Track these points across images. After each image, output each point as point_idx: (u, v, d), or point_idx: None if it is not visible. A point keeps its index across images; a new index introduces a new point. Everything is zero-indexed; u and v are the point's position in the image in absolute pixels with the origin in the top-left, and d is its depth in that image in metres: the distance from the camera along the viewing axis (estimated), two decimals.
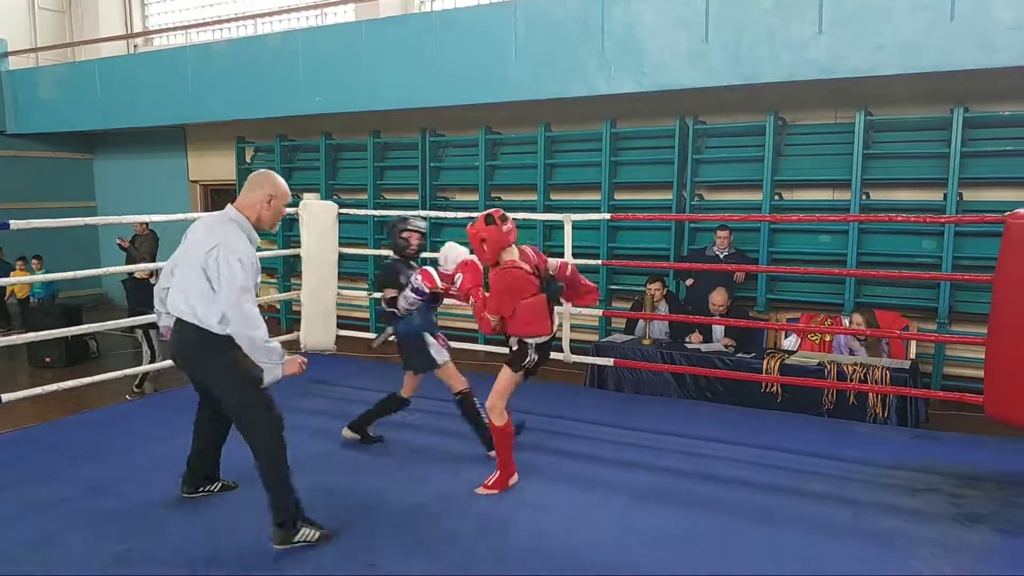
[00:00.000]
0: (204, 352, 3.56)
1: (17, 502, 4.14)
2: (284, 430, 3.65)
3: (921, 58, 5.73)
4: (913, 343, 6.50)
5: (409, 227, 4.89)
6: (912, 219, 5.98)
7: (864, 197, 6.92)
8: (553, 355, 6.24)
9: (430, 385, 4.99)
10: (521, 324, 4.05)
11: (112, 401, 6.41)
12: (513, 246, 4.08)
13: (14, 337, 5.63)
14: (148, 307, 7.63)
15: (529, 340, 4.10)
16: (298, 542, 3.55)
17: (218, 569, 3.42)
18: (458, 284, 4.30)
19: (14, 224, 5.19)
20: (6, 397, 5.19)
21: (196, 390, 4.01)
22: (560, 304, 4.22)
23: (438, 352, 4.75)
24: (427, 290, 4.49)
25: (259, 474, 3.58)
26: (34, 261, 9.70)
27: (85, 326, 6.62)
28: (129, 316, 6.59)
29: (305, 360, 3.62)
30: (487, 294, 4.16)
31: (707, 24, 6.39)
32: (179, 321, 3.59)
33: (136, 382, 6.95)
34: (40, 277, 6.39)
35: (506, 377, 4.18)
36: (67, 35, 12.15)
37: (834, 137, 7.21)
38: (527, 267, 4.05)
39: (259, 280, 3.71)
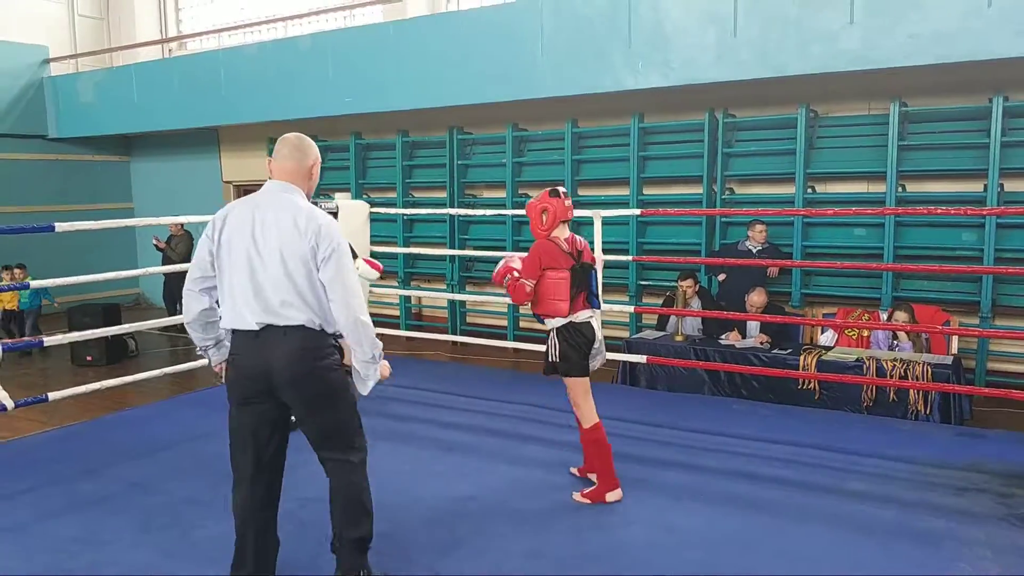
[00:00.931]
0: (317, 365, 2.97)
1: (63, 497, 4.23)
2: None
3: (957, 47, 5.60)
4: (955, 338, 6.37)
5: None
6: (952, 211, 5.88)
7: (900, 189, 6.80)
8: None
9: (470, 383, 5.01)
10: (542, 299, 4.10)
11: (152, 399, 6.52)
12: (566, 225, 4.17)
13: (59, 337, 5.74)
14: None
15: (552, 325, 4.12)
16: None
17: None
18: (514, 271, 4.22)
19: (59, 227, 5.30)
20: (52, 396, 5.30)
21: (254, 431, 3.09)
22: (592, 293, 4.18)
23: None
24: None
25: (339, 514, 3.14)
26: (17, 271, 9.07)
27: (126, 325, 6.73)
28: (169, 315, 6.70)
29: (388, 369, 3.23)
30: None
31: (735, 17, 6.31)
32: (272, 332, 2.93)
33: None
34: (73, 280, 6.45)
35: (571, 384, 4.16)
36: (105, 41, 12.36)
37: (868, 129, 7.08)
38: (566, 246, 4.10)
39: None
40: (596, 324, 4.25)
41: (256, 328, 2.93)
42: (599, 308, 4.28)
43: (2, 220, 9.75)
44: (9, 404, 5.01)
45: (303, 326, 2.93)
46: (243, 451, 3.10)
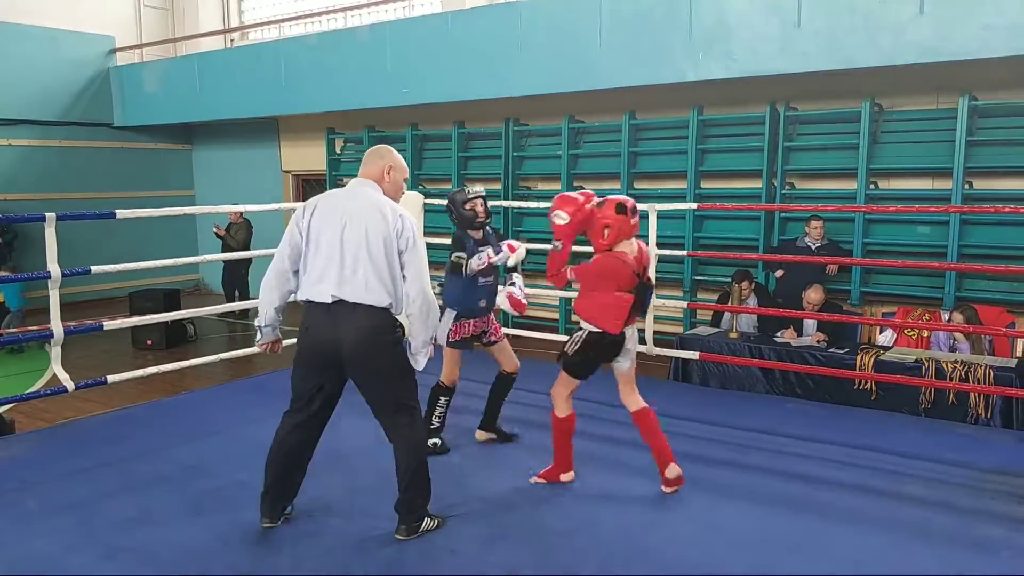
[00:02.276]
0: (383, 341, 3.38)
1: (120, 478, 4.36)
2: None
3: None
4: (1020, 341, 6.15)
5: (471, 196, 4.64)
6: (1020, 210, 5.68)
7: (967, 186, 6.58)
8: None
9: (528, 376, 5.05)
10: (593, 308, 3.96)
11: (209, 384, 6.68)
12: (632, 240, 4.03)
13: (119, 321, 5.93)
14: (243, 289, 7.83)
15: (587, 327, 3.99)
16: (423, 532, 3.60)
17: (307, 549, 3.52)
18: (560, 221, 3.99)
19: (120, 214, 5.46)
20: (112, 378, 5.48)
21: (315, 395, 3.55)
22: (644, 313, 4.14)
23: (440, 334, 4.59)
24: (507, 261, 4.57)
25: (404, 472, 3.52)
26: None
27: (185, 311, 6.90)
28: (227, 301, 6.86)
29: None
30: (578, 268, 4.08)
31: (799, 7, 6.17)
32: (343, 307, 3.31)
33: None
34: (133, 266, 6.62)
35: (563, 379, 4.14)
36: (169, 31, 12.66)
37: (935, 123, 6.86)
38: (632, 264, 3.95)
39: None
40: (633, 334, 4.11)
41: (329, 301, 3.31)
42: (643, 317, 4.27)
43: (68, 206, 10.07)
44: (70, 386, 5.19)
45: (372, 305, 3.30)
46: (303, 379, 3.53)
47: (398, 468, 3.53)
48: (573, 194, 4.04)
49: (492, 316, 4.80)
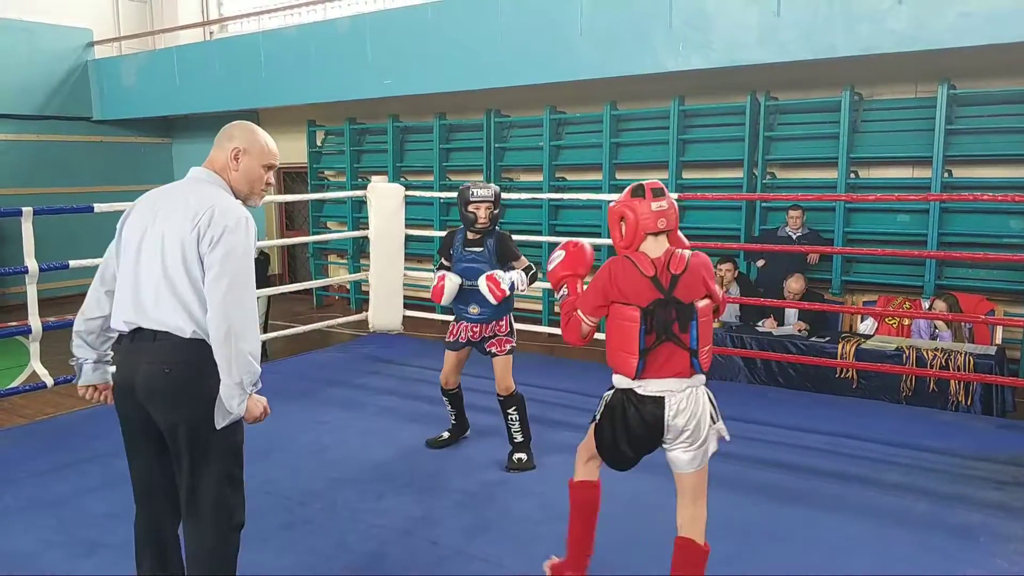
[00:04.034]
0: (186, 380, 2.39)
1: (100, 474, 4.32)
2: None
3: (1011, 27, 5.40)
4: (999, 328, 6.21)
5: (473, 199, 4.36)
6: (999, 198, 5.72)
7: (946, 175, 6.62)
8: None
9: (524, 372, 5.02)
10: (607, 345, 2.78)
11: None
12: (663, 237, 2.78)
13: None
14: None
15: (615, 380, 2.80)
16: None
17: (289, 542, 3.50)
18: (552, 267, 3.07)
19: (98, 207, 5.39)
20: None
21: (148, 472, 2.56)
22: (692, 350, 2.72)
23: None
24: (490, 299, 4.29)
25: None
26: None
27: None
28: None
29: (267, 407, 2.53)
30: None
31: None
32: (143, 338, 2.40)
33: None
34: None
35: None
36: (148, 24, 12.53)
37: (914, 112, 6.89)
38: (649, 268, 2.70)
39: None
40: (679, 401, 2.71)
41: (126, 330, 2.44)
42: (701, 373, 2.78)
43: (46, 201, 9.91)
44: (49, 382, 5.14)
45: (171, 334, 2.38)
46: (133, 478, 2.60)
47: None
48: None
49: (501, 324, 4.47)
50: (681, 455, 2.75)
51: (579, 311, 2.82)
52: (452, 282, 4.37)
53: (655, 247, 2.75)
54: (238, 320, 2.35)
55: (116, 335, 2.53)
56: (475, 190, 4.37)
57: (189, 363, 2.37)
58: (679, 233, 2.88)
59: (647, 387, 2.71)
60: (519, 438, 4.47)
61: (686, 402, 2.71)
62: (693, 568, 2.81)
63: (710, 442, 2.76)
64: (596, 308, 2.78)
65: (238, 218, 2.42)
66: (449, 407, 4.78)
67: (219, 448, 2.44)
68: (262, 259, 7.56)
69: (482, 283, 4.29)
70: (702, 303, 2.73)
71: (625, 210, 2.74)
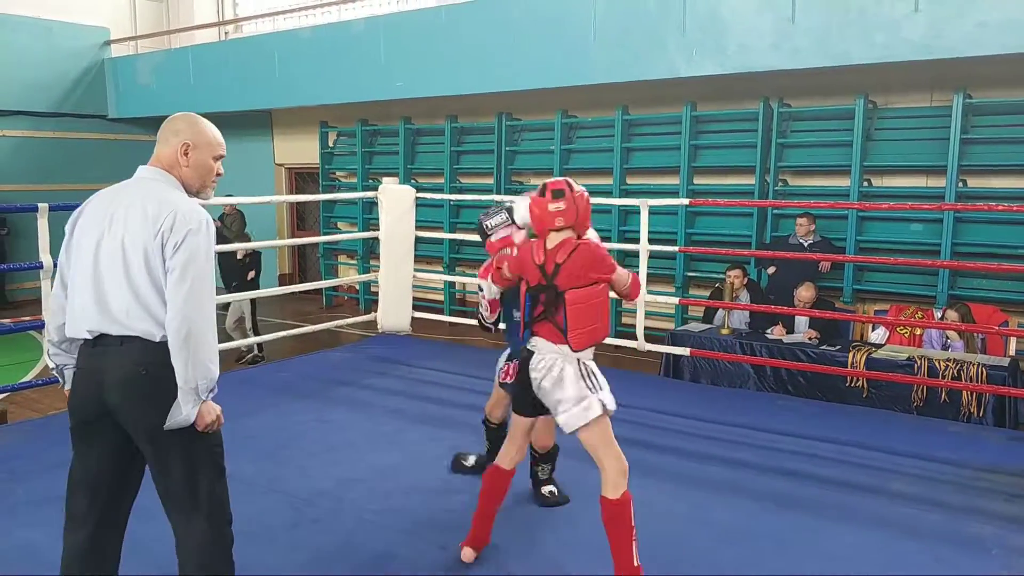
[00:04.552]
0: (153, 385, 2.36)
1: None
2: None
3: None
4: (1013, 339, 6.16)
5: (490, 231, 3.52)
6: (1014, 208, 5.68)
7: (961, 184, 6.58)
8: (626, 343, 6.25)
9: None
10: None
11: None
12: (566, 232, 3.06)
13: None
14: (240, 280, 7.88)
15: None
16: None
17: (297, 541, 3.50)
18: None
19: None
20: None
21: (98, 485, 2.53)
22: (552, 321, 3.04)
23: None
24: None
25: None
26: None
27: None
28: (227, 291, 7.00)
29: (220, 415, 2.46)
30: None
31: (793, 3, 6.16)
32: (109, 344, 2.38)
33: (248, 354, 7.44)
34: None
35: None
36: (164, 23, 12.62)
37: (929, 121, 6.86)
38: (540, 257, 3.06)
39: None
40: (540, 360, 3.07)
41: (88, 337, 2.41)
42: (573, 351, 3.02)
43: (61, 198, 9.99)
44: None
45: (140, 338, 2.36)
46: (75, 488, 2.56)
47: None
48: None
49: None
50: (557, 417, 3.06)
51: (503, 265, 3.28)
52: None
53: (554, 239, 3.07)
54: (198, 324, 2.34)
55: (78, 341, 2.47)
56: (487, 221, 3.53)
57: (164, 364, 2.33)
58: (587, 226, 3.14)
59: (530, 344, 3.14)
60: (544, 475, 3.99)
61: (546, 363, 3.05)
62: (612, 522, 3.06)
63: (587, 406, 2.99)
64: (508, 272, 3.25)
65: (200, 221, 2.39)
66: (487, 439, 4.20)
67: (205, 443, 2.44)
68: (247, 261, 7.52)
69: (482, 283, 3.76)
70: (578, 291, 2.98)
71: (533, 207, 3.10)
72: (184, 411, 2.33)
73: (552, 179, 3.12)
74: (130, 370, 2.36)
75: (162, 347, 2.35)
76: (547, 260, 3.04)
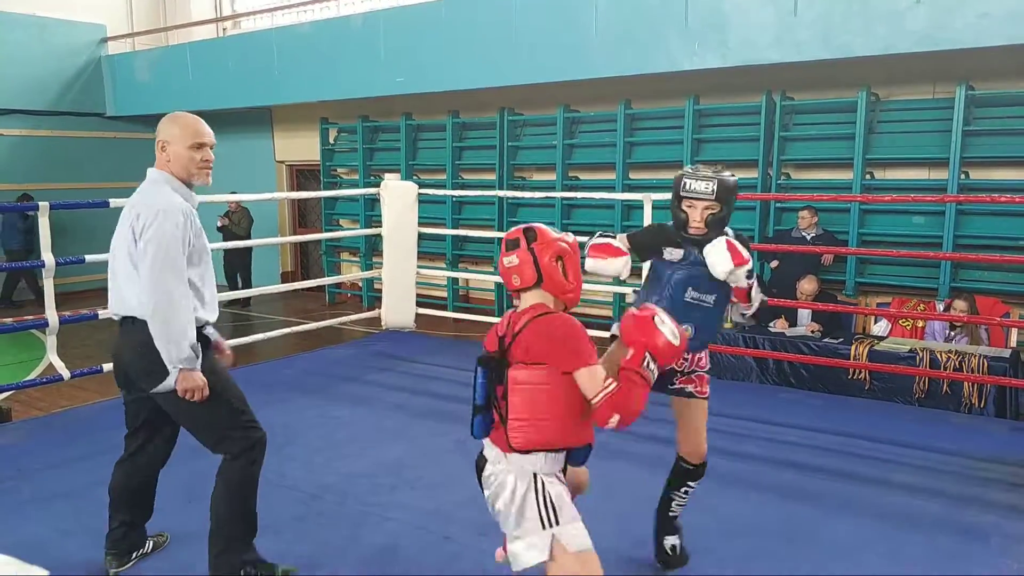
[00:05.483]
0: (155, 357, 2.77)
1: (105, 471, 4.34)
2: (262, 461, 3.05)
3: None
4: (1015, 331, 6.17)
5: (685, 193, 3.00)
6: (1016, 200, 5.68)
7: (963, 176, 6.57)
8: None
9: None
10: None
11: None
12: (534, 293, 2.33)
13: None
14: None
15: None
16: None
17: (302, 533, 3.51)
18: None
19: (114, 203, 5.42)
20: (107, 367, 5.43)
21: (131, 415, 3.15)
22: (496, 406, 2.32)
23: None
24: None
25: (214, 513, 3.00)
26: None
27: None
28: (229, 288, 6.92)
29: (206, 388, 2.83)
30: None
31: None
32: (124, 322, 2.91)
33: None
34: None
35: None
36: (161, 20, 12.59)
37: (931, 113, 6.85)
38: (502, 327, 2.36)
39: (207, 255, 2.97)
40: (490, 476, 2.33)
41: (114, 318, 2.96)
42: (520, 453, 2.24)
43: (60, 197, 10.02)
44: (66, 374, 5.17)
45: (138, 317, 2.82)
46: (129, 435, 3.22)
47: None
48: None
49: (701, 358, 3.22)
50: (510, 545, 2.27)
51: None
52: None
53: (526, 302, 2.33)
54: (161, 302, 2.72)
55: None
56: (689, 181, 2.97)
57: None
58: (566, 290, 2.31)
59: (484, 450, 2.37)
60: (675, 513, 3.31)
61: (497, 478, 2.28)
62: None
63: (532, 545, 2.21)
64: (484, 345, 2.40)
65: (157, 211, 2.75)
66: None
67: (209, 401, 2.86)
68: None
69: (716, 251, 2.94)
70: (529, 368, 2.20)
71: (562, 251, 2.31)
72: (168, 379, 2.78)
73: (520, 225, 2.36)
74: (134, 348, 2.84)
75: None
76: (509, 328, 2.30)
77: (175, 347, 2.73)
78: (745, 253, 2.95)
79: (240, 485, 2.98)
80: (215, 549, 2.99)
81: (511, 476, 2.25)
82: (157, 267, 2.70)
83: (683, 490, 3.26)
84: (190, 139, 2.90)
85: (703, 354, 3.21)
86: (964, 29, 5.57)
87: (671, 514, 3.29)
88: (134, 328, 2.82)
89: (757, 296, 3.23)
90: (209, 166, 2.98)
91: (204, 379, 2.82)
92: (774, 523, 3.70)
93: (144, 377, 2.85)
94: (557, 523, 2.21)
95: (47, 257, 5.03)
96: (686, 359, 3.15)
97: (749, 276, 3.04)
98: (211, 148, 2.99)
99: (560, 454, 2.28)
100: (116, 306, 2.90)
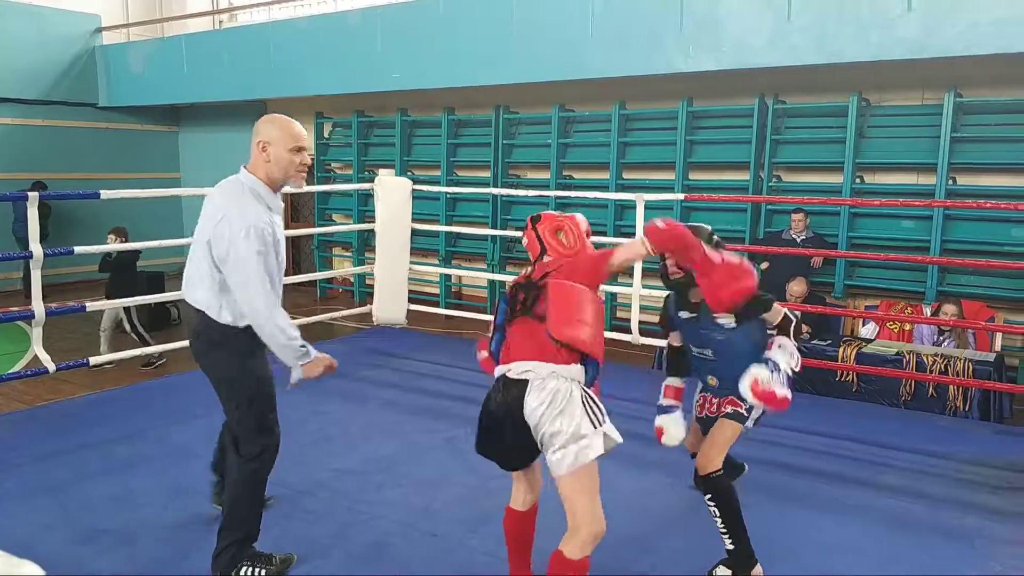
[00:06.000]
0: (208, 345, 3.07)
1: (100, 460, 4.35)
2: (271, 464, 3.20)
3: (1019, 37, 5.42)
4: (999, 335, 6.24)
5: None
6: (1002, 206, 5.73)
7: (951, 182, 6.64)
8: (621, 337, 6.28)
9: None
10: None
11: (191, 367, 6.64)
12: (544, 260, 2.92)
13: (102, 303, 5.88)
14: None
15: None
16: None
17: (290, 531, 3.53)
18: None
19: (104, 194, 5.42)
20: (94, 360, 5.45)
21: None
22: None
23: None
24: None
25: (225, 500, 3.20)
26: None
27: (169, 294, 6.86)
28: None
29: (333, 363, 3.12)
30: None
31: (790, 1, 6.19)
32: (187, 307, 3.13)
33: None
34: (130, 246, 6.71)
35: None
36: (156, 11, 12.54)
37: (921, 119, 6.91)
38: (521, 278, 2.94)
39: (282, 260, 3.12)
40: (532, 392, 2.66)
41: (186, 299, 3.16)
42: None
43: (53, 186, 9.99)
44: (51, 367, 5.15)
45: (195, 307, 3.05)
46: None
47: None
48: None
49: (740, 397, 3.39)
50: (547, 454, 2.63)
51: None
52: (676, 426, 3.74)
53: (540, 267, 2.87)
54: (258, 317, 2.91)
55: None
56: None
57: (213, 329, 3.01)
58: (558, 253, 2.89)
59: (510, 371, 2.76)
60: (729, 544, 3.25)
61: (549, 389, 2.63)
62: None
63: (586, 445, 2.55)
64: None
65: (247, 228, 2.86)
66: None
67: (240, 391, 3.08)
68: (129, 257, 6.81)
69: (746, 389, 3.27)
70: (564, 282, 2.73)
71: (560, 224, 2.99)
72: (294, 374, 3.04)
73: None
74: (193, 332, 3.11)
75: (208, 317, 3.00)
76: (534, 272, 2.84)
77: (289, 352, 2.97)
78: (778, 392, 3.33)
79: (244, 483, 3.11)
80: (227, 549, 3.10)
81: (567, 385, 2.62)
82: (250, 288, 2.88)
83: (707, 497, 3.34)
84: (291, 142, 2.98)
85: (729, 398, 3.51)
86: (954, 37, 5.62)
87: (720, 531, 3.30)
88: (195, 313, 3.04)
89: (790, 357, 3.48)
90: (306, 169, 3.08)
91: (326, 362, 3.07)
92: (761, 524, 3.72)
93: (200, 357, 3.12)
94: (604, 421, 2.62)
95: (35, 248, 5.01)
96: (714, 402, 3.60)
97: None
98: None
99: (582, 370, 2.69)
100: (187, 292, 3.07)
